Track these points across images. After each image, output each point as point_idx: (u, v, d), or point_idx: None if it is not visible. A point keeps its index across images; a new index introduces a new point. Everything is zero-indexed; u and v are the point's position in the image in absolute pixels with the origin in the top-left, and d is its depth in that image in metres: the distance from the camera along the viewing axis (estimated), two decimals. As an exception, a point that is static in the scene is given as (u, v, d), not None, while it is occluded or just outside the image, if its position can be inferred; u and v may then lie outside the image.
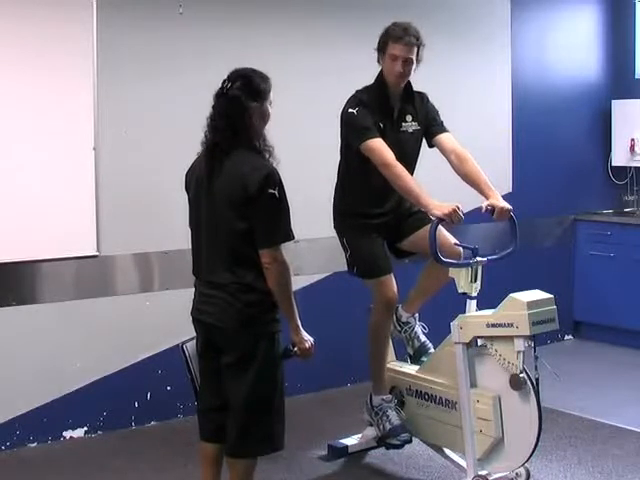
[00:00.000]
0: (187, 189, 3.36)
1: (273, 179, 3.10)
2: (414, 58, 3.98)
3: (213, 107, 3.23)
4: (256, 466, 3.29)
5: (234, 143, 3.15)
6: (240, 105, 3.15)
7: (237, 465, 3.24)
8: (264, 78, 3.25)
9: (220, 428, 3.27)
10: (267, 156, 3.18)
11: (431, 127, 4.14)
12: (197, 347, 3.34)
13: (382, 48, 4.02)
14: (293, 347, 3.25)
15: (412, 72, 4.02)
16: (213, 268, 3.19)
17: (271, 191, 3.08)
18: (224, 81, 3.22)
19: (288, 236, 3.16)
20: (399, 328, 4.39)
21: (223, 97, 3.19)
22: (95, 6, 4.52)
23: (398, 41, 3.95)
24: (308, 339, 3.27)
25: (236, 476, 3.24)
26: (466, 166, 4.02)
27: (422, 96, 4.18)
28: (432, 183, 4.17)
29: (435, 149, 4.17)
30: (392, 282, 4.10)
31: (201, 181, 3.23)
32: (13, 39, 4.34)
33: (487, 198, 3.94)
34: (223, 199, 3.14)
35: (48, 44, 4.42)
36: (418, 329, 4.39)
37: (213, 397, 3.30)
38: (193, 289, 3.34)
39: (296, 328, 3.23)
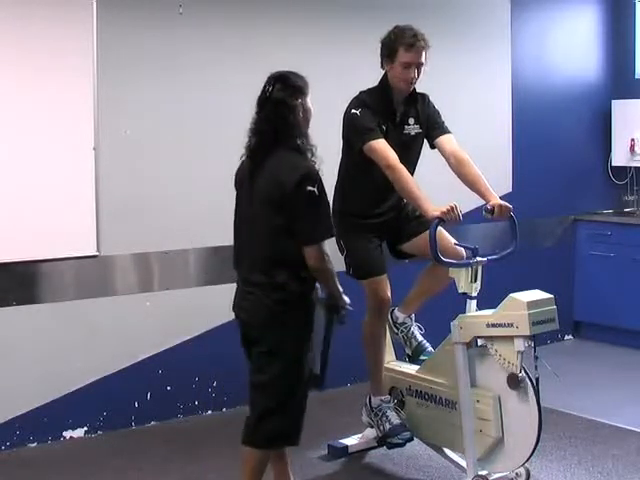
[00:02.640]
0: (236, 188, 3.49)
1: (311, 177, 3.19)
2: (424, 62, 3.99)
3: (257, 112, 3.33)
4: (267, 462, 3.42)
5: (276, 144, 3.26)
6: (285, 106, 3.26)
7: (250, 454, 3.34)
8: (299, 76, 3.37)
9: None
10: (309, 155, 3.27)
11: (432, 129, 4.15)
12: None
13: (390, 55, 3.99)
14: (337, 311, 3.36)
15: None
16: (251, 266, 3.32)
17: (310, 189, 3.17)
18: (265, 86, 3.32)
19: (330, 232, 3.27)
20: (395, 330, 4.40)
21: (267, 101, 3.29)
22: (95, 6, 4.52)
23: (410, 49, 3.94)
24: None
25: (248, 465, 3.35)
26: (465, 169, 4.03)
27: (424, 98, 4.18)
28: (433, 183, 4.18)
29: (437, 150, 4.18)
30: (386, 283, 4.11)
31: (244, 181, 3.38)
32: (13, 39, 4.33)
33: (486, 200, 3.95)
34: (261, 198, 3.26)
35: (48, 44, 4.42)
36: (415, 329, 4.40)
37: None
38: (235, 285, 3.46)
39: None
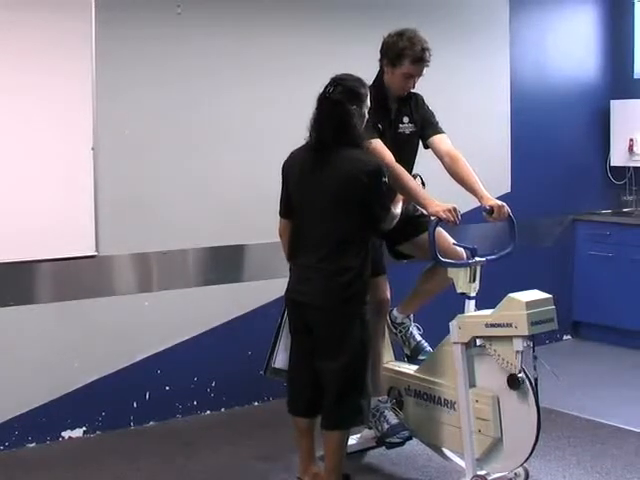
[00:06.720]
0: (285, 179, 3.68)
1: (383, 169, 3.56)
2: (424, 73, 4.03)
3: (317, 109, 3.57)
4: (349, 437, 3.79)
5: (339, 141, 3.51)
6: (343, 108, 3.51)
7: (333, 436, 3.65)
8: (362, 83, 3.62)
9: (311, 404, 3.70)
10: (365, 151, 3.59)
11: (426, 129, 4.15)
12: (291, 326, 3.73)
13: (394, 61, 3.99)
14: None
15: None
16: (316, 252, 3.54)
17: (384, 179, 3.54)
18: (327, 86, 3.56)
19: (395, 215, 3.74)
20: (394, 330, 4.40)
21: (326, 101, 3.54)
22: (94, 6, 4.52)
23: (417, 63, 3.96)
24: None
25: (332, 447, 3.66)
26: (459, 167, 4.03)
27: (417, 97, 4.19)
28: (433, 184, 4.18)
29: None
30: (385, 283, 4.12)
31: (303, 174, 3.58)
32: (12, 39, 4.33)
33: (480, 199, 3.97)
34: (330, 190, 3.50)
35: (47, 44, 4.41)
36: (413, 329, 4.40)
37: (309, 375, 3.66)
38: (289, 273, 3.70)
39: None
